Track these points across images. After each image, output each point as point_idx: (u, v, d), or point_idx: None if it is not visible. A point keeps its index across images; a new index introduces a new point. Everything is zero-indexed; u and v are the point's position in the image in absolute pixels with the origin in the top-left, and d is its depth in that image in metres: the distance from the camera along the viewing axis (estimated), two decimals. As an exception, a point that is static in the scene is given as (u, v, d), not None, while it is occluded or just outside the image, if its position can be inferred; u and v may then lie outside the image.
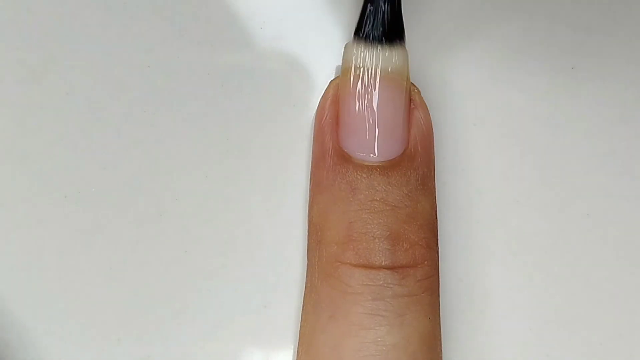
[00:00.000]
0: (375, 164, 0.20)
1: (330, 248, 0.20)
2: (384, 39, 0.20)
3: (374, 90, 0.20)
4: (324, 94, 0.21)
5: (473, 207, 0.23)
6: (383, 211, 0.20)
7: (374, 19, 0.20)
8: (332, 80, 0.21)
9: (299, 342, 0.21)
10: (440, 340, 0.21)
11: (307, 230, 0.21)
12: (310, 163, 0.22)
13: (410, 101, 0.21)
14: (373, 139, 0.20)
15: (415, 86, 0.21)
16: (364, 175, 0.20)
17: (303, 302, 0.21)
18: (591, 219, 0.23)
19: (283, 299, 0.22)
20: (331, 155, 0.21)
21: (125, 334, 0.22)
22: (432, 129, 0.21)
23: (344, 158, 0.20)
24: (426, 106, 0.21)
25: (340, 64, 0.21)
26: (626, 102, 0.23)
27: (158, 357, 0.22)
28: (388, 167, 0.20)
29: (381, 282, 0.20)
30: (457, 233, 0.23)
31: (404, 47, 0.21)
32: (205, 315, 0.22)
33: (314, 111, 0.22)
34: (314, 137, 0.21)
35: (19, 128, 0.22)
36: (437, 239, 0.21)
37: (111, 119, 0.22)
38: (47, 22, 0.22)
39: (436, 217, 0.21)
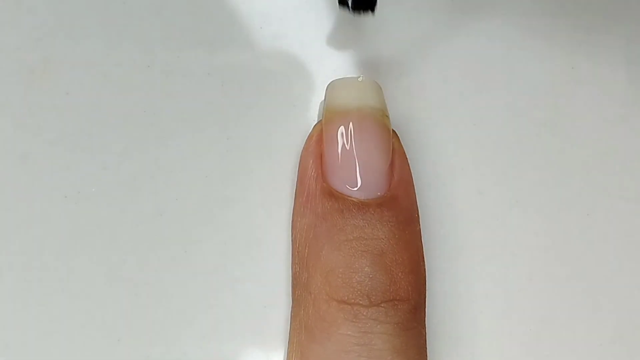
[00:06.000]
0: (358, 202, 0.20)
1: (313, 278, 0.20)
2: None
3: (356, 128, 0.20)
4: (309, 135, 0.21)
5: (473, 207, 0.23)
6: (365, 249, 0.20)
7: None
8: (317, 123, 0.21)
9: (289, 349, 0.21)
10: None
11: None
12: (294, 198, 0.22)
13: (391, 141, 0.21)
14: (355, 177, 0.20)
15: (395, 132, 0.21)
16: (347, 212, 0.20)
17: (290, 314, 0.21)
18: (591, 219, 0.23)
19: (283, 299, 0.22)
20: (315, 192, 0.21)
21: (125, 334, 0.22)
22: (412, 177, 0.21)
23: (327, 195, 0.20)
24: (405, 154, 0.21)
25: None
26: (626, 102, 0.23)
27: (158, 357, 0.22)
28: (372, 205, 0.20)
29: (362, 319, 0.19)
30: (457, 233, 0.23)
31: (380, 86, 0.21)
32: (205, 315, 0.22)
33: (314, 111, 0.22)
34: (298, 174, 0.21)
35: (19, 128, 0.22)
36: (423, 281, 0.21)
37: (111, 119, 0.22)
38: (47, 22, 0.22)
39: (423, 260, 0.21)
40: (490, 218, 0.23)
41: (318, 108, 0.22)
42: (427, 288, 0.21)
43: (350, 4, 0.20)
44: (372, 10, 0.20)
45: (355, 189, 0.20)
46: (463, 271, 0.22)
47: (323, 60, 0.23)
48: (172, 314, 0.22)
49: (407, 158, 0.21)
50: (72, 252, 0.22)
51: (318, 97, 0.22)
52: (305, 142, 0.21)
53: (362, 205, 0.20)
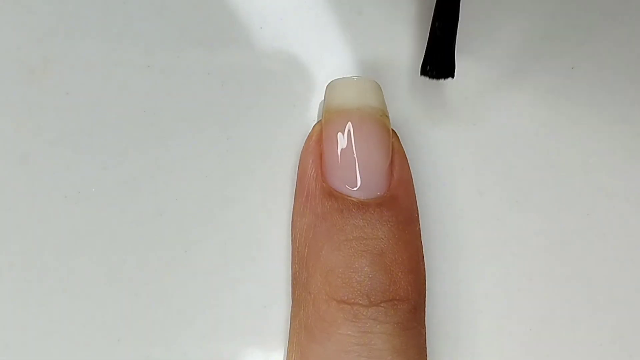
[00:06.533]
0: (358, 201, 0.20)
1: (313, 278, 0.20)
2: None
3: (356, 128, 0.20)
4: (308, 135, 0.21)
5: (473, 207, 0.23)
6: (365, 249, 0.20)
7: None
8: (316, 123, 0.21)
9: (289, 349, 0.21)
10: None
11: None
12: (294, 198, 0.22)
13: (391, 141, 0.21)
14: (355, 177, 0.20)
15: (395, 132, 0.21)
16: (346, 212, 0.20)
17: (290, 314, 0.21)
18: (591, 219, 0.23)
19: (283, 299, 0.22)
20: (315, 192, 0.21)
21: (125, 334, 0.22)
22: (412, 177, 0.21)
23: (327, 195, 0.20)
24: (405, 154, 0.21)
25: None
26: (626, 102, 0.23)
27: (158, 357, 0.22)
28: (371, 205, 0.20)
29: (361, 319, 0.19)
30: (457, 233, 0.22)
31: (379, 86, 0.21)
32: (205, 315, 0.22)
33: (314, 111, 0.22)
34: (298, 174, 0.21)
35: (19, 128, 0.22)
36: (423, 281, 0.21)
37: (111, 119, 0.22)
38: (47, 22, 0.22)
39: (422, 260, 0.21)
40: (490, 218, 0.23)
41: (318, 108, 0.22)
42: (427, 288, 0.21)
43: (430, 73, 0.21)
44: (452, 75, 0.21)
45: (355, 188, 0.20)
46: (463, 271, 0.22)
47: (323, 60, 0.23)
48: (172, 314, 0.22)
49: (407, 158, 0.21)
50: (72, 252, 0.22)
51: (318, 97, 0.22)
52: (305, 142, 0.21)
53: (361, 205, 0.20)
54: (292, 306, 0.21)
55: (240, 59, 0.22)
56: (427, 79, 0.21)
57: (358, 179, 0.20)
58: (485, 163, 0.23)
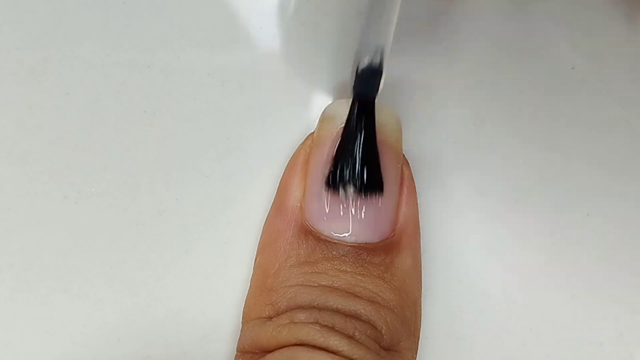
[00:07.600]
0: (349, 244, 0.17)
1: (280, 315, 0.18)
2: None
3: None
4: (297, 149, 0.19)
5: (473, 207, 0.23)
6: (348, 300, 0.17)
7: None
8: (302, 145, 0.20)
9: None
10: None
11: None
12: (269, 214, 0.20)
13: (402, 173, 0.18)
14: (348, 217, 0.17)
15: (404, 157, 0.19)
16: (329, 255, 0.17)
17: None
18: (591, 219, 0.23)
19: (283, 299, 0.22)
20: (292, 224, 0.18)
21: (125, 334, 0.22)
22: (418, 212, 0.18)
23: (306, 230, 0.18)
24: (414, 187, 0.18)
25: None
26: (626, 102, 0.23)
27: (158, 357, 0.22)
28: (365, 251, 0.17)
29: None
30: (457, 233, 0.22)
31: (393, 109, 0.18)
32: (205, 315, 0.22)
33: (314, 111, 0.22)
34: (277, 192, 0.20)
35: (19, 128, 0.22)
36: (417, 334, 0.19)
37: (111, 119, 0.22)
38: (47, 22, 0.22)
39: (419, 312, 0.19)
40: (490, 218, 0.23)
41: (318, 108, 0.22)
42: (427, 288, 0.21)
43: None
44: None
45: (347, 234, 0.18)
46: (463, 271, 0.22)
47: (323, 60, 0.23)
48: (172, 314, 0.22)
49: (416, 191, 0.19)
50: (72, 252, 0.22)
51: (318, 97, 0.22)
52: (291, 160, 0.20)
53: (353, 251, 0.17)
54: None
55: (240, 59, 0.22)
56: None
57: (350, 220, 0.17)
58: (485, 163, 0.23)
